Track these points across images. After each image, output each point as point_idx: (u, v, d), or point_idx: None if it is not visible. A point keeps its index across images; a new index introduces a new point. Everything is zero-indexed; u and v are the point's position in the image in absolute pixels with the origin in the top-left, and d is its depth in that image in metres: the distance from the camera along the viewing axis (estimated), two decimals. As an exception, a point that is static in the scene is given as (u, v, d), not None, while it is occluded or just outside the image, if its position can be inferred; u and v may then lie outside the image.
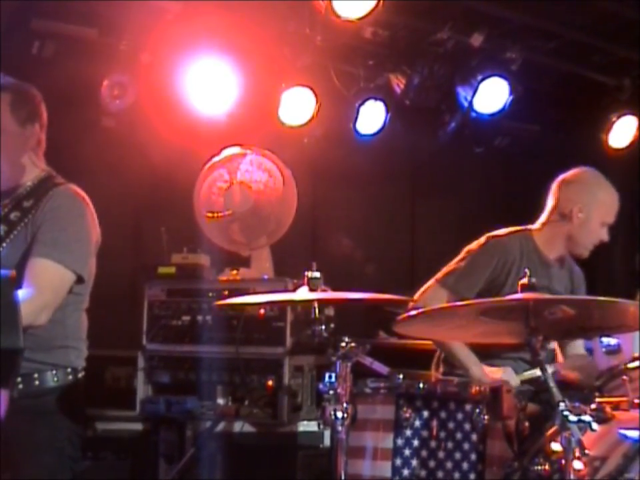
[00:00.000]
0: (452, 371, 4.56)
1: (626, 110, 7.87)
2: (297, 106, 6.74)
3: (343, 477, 3.52)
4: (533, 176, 8.54)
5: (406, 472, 3.59)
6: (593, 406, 3.56)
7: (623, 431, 3.60)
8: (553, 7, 6.53)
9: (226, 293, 5.58)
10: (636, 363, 4.07)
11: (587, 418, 3.11)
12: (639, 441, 3.45)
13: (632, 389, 3.96)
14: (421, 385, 3.64)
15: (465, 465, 3.59)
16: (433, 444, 3.60)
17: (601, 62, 7.50)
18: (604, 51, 7.30)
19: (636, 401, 3.80)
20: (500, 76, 6.97)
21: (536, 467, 3.42)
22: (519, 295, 3.41)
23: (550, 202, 4.74)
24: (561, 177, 4.76)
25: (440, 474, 3.58)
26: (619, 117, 7.87)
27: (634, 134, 7.96)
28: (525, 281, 3.42)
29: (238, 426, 5.68)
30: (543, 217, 4.74)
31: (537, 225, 4.74)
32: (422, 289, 4.59)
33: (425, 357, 4.81)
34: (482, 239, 4.63)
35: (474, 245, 4.63)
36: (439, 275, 4.60)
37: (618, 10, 6.67)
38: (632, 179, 8.34)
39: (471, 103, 7.02)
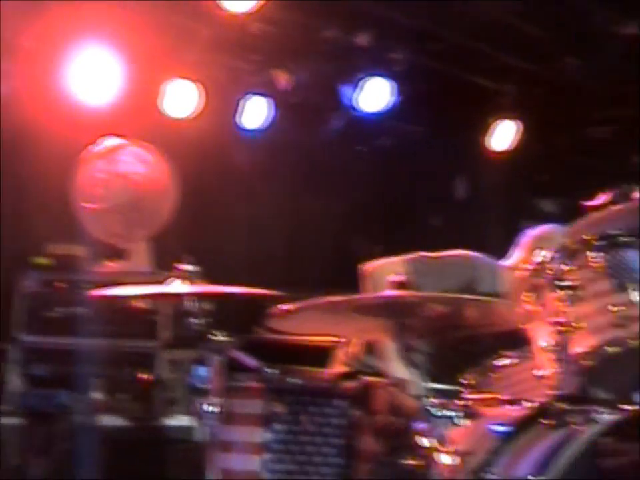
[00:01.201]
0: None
1: (508, 114, 8.04)
2: (182, 99, 6.72)
3: (214, 471, 3.51)
4: (417, 177, 8.68)
5: (275, 466, 3.59)
6: (460, 402, 3.61)
7: (490, 427, 3.65)
8: (440, 11, 6.61)
9: (102, 285, 5.50)
10: (506, 361, 4.14)
11: (450, 413, 3.16)
12: (504, 435, 3.51)
13: (501, 386, 4.03)
14: (292, 380, 3.64)
15: (335, 460, 3.61)
16: (302, 438, 3.60)
17: (485, 67, 7.62)
18: (487, 56, 7.41)
19: (504, 397, 3.86)
20: (384, 76, 7.05)
21: (405, 462, 3.46)
22: (385, 293, 3.44)
23: None
24: None
25: (309, 468, 3.59)
26: (500, 121, 8.05)
27: (515, 138, 8.13)
28: (395, 278, 3.45)
29: (112, 420, 5.63)
30: None
31: None
32: None
33: (311, 353, 4.83)
34: None
35: None
36: None
37: (502, 17, 6.78)
38: (511, 182, 8.53)
39: (354, 102, 7.09)
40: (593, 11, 6.69)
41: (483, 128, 8.08)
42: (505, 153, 8.19)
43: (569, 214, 4.32)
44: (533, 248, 4.62)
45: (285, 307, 3.46)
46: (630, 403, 3.62)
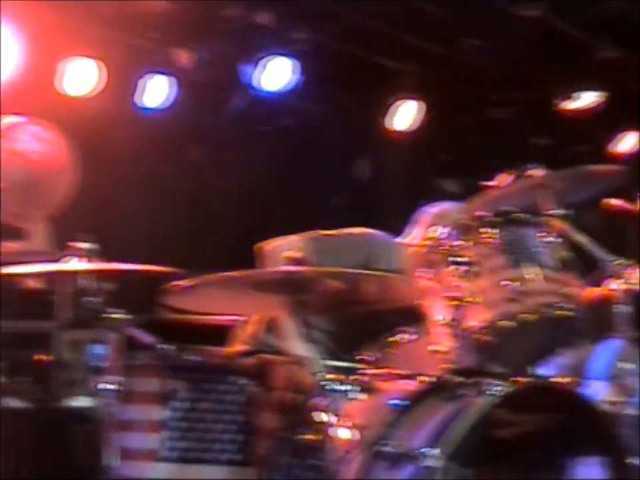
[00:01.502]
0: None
1: (410, 94, 8.10)
2: (81, 77, 6.62)
3: (113, 450, 3.49)
4: (319, 156, 8.70)
5: (174, 444, 3.58)
6: (358, 377, 3.65)
7: (387, 401, 3.69)
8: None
9: (-1, 265, 5.44)
10: (403, 336, 4.19)
11: (344, 387, 3.19)
12: (400, 409, 3.56)
13: (399, 362, 4.08)
14: (189, 357, 3.63)
15: (234, 437, 3.61)
16: (201, 416, 3.60)
17: (387, 47, 7.66)
18: (390, 36, 7.45)
19: (401, 372, 3.91)
20: (286, 55, 7.05)
21: (303, 437, 3.49)
22: (281, 268, 3.46)
23: None
24: None
25: (209, 445, 3.59)
26: (402, 101, 8.11)
27: (417, 118, 8.21)
28: (290, 253, 3.46)
29: (11, 402, 5.55)
30: None
31: None
32: None
33: (210, 332, 4.81)
34: None
35: None
36: None
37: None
38: (414, 161, 8.61)
39: (256, 81, 7.10)
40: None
41: (385, 108, 8.13)
42: (407, 133, 8.26)
43: (470, 194, 4.39)
44: (429, 225, 4.69)
45: (181, 283, 3.45)
46: (524, 375, 3.71)
